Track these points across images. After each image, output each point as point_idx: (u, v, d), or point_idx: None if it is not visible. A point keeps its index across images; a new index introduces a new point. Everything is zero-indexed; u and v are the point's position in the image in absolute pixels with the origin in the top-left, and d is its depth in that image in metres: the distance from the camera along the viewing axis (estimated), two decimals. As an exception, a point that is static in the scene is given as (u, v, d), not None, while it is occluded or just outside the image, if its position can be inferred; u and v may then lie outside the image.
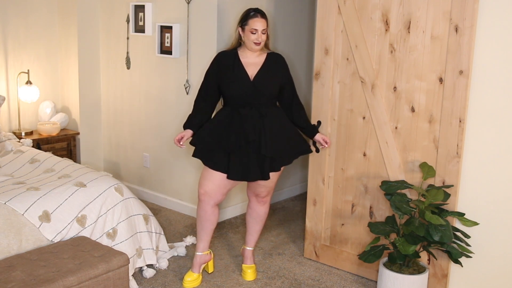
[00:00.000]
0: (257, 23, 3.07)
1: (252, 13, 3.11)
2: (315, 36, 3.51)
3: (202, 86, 3.27)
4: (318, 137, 3.38)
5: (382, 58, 3.24)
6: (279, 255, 3.82)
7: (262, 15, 3.11)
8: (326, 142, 3.38)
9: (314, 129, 3.40)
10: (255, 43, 3.10)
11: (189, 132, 3.24)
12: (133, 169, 4.93)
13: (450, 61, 2.99)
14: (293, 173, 5.01)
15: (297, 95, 3.32)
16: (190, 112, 3.31)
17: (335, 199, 3.57)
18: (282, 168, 3.26)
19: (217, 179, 3.19)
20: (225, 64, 3.17)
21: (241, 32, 3.15)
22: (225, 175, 3.17)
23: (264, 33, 3.10)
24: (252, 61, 3.16)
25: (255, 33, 3.08)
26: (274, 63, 3.20)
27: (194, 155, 3.24)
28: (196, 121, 3.25)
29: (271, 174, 3.20)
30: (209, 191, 3.21)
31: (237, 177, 3.15)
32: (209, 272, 3.47)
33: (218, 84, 3.19)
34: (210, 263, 3.46)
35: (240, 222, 4.37)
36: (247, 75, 3.13)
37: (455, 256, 2.95)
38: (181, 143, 3.22)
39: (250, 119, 3.10)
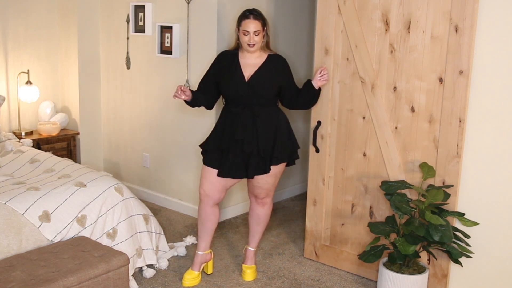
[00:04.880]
0: (249, 25, 3.06)
1: (245, 14, 3.10)
2: (315, 36, 3.51)
3: (201, 80, 3.31)
4: (315, 81, 3.26)
5: (382, 58, 3.24)
6: (279, 255, 3.82)
7: (256, 16, 3.08)
8: (322, 74, 3.26)
9: (309, 81, 3.27)
10: (248, 44, 3.09)
11: (188, 91, 3.16)
12: (133, 169, 4.92)
13: (450, 61, 2.99)
14: (293, 173, 5.01)
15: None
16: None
17: (335, 199, 3.57)
18: (271, 169, 3.22)
19: (213, 177, 3.22)
20: (225, 63, 3.20)
21: (238, 33, 3.15)
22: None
23: (258, 35, 3.08)
24: (250, 62, 3.17)
25: (247, 35, 3.08)
26: (274, 65, 3.19)
27: (204, 162, 3.26)
28: (197, 94, 3.23)
29: (264, 175, 3.21)
30: (208, 191, 3.24)
31: (225, 174, 3.17)
32: (208, 274, 3.47)
33: (216, 81, 3.23)
34: (210, 264, 3.46)
35: (240, 222, 4.37)
36: (243, 75, 3.14)
37: (455, 256, 2.95)
38: (179, 92, 3.10)
39: (241, 118, 3.13)
